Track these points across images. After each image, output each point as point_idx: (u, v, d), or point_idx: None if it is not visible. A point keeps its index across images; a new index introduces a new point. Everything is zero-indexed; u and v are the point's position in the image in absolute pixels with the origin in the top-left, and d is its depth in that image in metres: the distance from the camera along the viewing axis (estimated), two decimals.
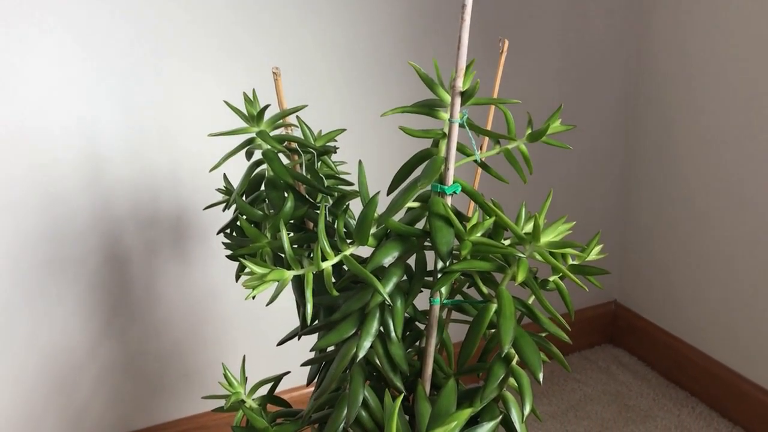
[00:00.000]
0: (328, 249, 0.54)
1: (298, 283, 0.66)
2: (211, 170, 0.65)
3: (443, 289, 0.58)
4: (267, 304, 0.55)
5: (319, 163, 0.72)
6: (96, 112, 0.94)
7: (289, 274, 0.53)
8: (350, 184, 0.71)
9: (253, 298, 0.56)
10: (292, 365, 0.76)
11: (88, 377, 1.04)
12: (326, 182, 0.69)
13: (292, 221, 0.68)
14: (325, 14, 1.04)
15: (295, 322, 0.70)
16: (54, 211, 0.95)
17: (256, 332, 1.12)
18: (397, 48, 1.10)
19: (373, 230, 0.57)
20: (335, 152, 0.73)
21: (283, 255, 0.58)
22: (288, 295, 0.66)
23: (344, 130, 0.74)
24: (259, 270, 0.52)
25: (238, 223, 0.66)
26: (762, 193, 1.13)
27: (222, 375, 0.68)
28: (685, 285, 1.30)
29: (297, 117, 0.71)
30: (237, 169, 0.69)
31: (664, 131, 1.28)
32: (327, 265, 0.54)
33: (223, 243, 0.70)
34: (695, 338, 1.30)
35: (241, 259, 0.53)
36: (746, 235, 1.16)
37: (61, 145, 0.94)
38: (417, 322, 0.66)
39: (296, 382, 1.11)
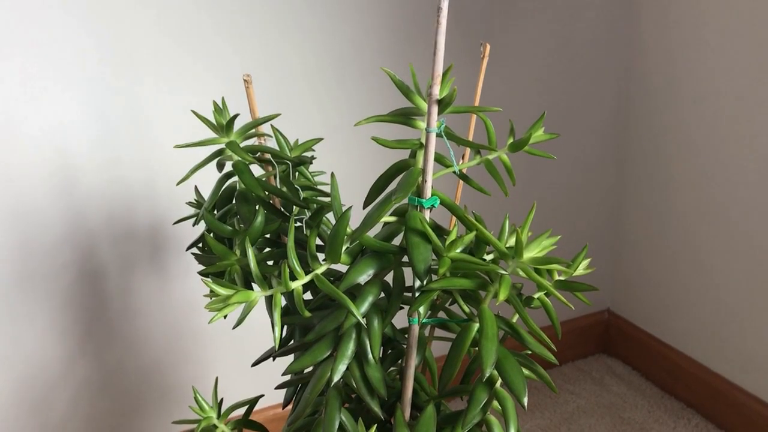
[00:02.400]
0: (298, 268, 0.51)
1: (270, 303, 0.63)
2: (178, 183, 0.62)
3: (422, 309, 0.55)
4: (233, 327, 0.52)
5: (296, 174, 0.69)
6: (67, 121, 0.91)
7: (256, 296, 0.50)
8: (328, 194, 0.68)
9: (225, 317, 0.53)
10: (273, 381, 0.73)
11: (64, 396, 1.00)
12: (303, 194, 0.66)
13: (267, 236, 0.65)
14: (302, 21, 1.01)
15: None
16: (24, 224, 0.92)
17: (237, 348, 1.09)
18: (377, 54, 1.07)
19: (347, 246, 0.54)
20: (312, 162, 0.70)
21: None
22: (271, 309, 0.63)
23: (321, 139, 0.71)
24: (222, 291, 0.49)
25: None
26: (752, 203, 1.10)
27: (200, 394, 0.65)
28: (678, 294, 1.27)
29: (272, 126, 0.68)
30: (213, 180, 0.66)
31: (656, 140, 1.26)
32: (297, 285, 0.51)
33: (195, 258, 0.66)
34: (690, 347, 1.27)
35: (204, 280, 0.50)
36: (737, 244, 1.14)
37: (31, 155, 0.90)
38: (398, 341, 0.63)
39: (277, 400, 1.07)
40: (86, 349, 1.00)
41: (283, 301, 0.58)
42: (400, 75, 0.55)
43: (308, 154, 0.71)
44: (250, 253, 0.51)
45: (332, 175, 0.55)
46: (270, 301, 0.62)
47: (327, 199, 0.68)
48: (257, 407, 0.78)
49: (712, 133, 1.15)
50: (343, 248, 0.53)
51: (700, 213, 1.20)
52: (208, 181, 0.68)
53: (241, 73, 0.96)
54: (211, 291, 0.52)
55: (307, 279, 0.51)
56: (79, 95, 0.91)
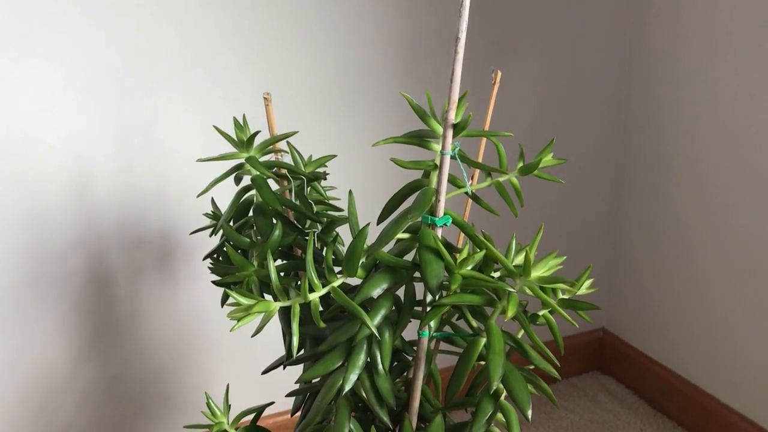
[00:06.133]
0: (316, 280, 0.53)
1: (285, 313, 0.65)
2: (199, 195, 0.64)
3: (432, 323, 0.57)
4: (252, 336, 0.54)
5: (309, 189, 0.72)
6: (83, 129, 0.93)
7: (276, 306, 0.52)
8: (340, 209, 0.71)
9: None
10: (280, 390, 0.75)
11: (69, 400, 1.02)
12: (315, 208, 0.69)
13: (280, 248, 0.67)
14: (317, 41, 1.03)
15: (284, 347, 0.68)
16: (37, 229, 0.94)
17: (243, 356, 1.10)
18: (389, 74, 1.09)
19: (362, 261, 0.56)
20: (325, 178, 0.72)
21: (270, 283, 0.57)
22: (277, 319, 0.65)
23: (335, 156, 0.73)
24: (244, 301, 0.51)
25: (225, 249, 0.65)
26: (751, 224, 1.13)
27: (205, 402, 0.67)
28: (672, 314, 1.30)
29: (287, 143, 0.71)
30: (226, 193, 0.69)
31: (654, 161, 1.29)
32: (314, 297, 0.53)
33: (209, 267, 0.68)
34: (682, 367, 1.29)
35: (227, 290, 0.52)
36: (733, 266, 1.16)
37: (46, 161, 0.92)
38: (404, 353, 0.65)
39: (284, 407, 1.09)
40: (93, 353, 1.02)
41: None
42: (412, 94, 0.58)
43: (321, 170, 0.74)
44: (271, 265, 0.53)
45: (350, 192, 0.58)
46: (284, 311, 0.65)
47: (338, 214, 0.71)
48: (263, 414, 0.80)
49: (710, 155, 1.18)
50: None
51: (697, 234, 1.23)
52: (219, 193, 0.71)
53: (256, 91, 0.98)
54: (223, 297, 0.54)
55: (324, 291, 0.53)
56: (96, 105, 0.93)
